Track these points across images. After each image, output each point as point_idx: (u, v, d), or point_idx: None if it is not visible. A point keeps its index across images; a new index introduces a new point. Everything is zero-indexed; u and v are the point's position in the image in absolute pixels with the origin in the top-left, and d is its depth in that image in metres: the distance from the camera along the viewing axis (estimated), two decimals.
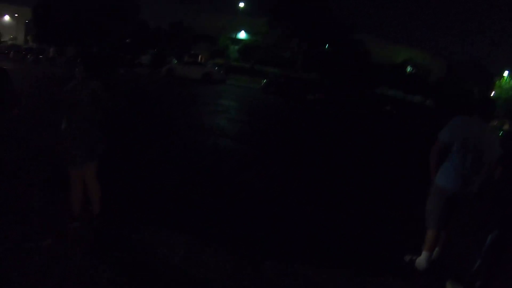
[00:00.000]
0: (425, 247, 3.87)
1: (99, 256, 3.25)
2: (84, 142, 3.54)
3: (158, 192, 4.94)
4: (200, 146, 8.02)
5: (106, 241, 3.57)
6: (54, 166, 5.13)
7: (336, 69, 38.57)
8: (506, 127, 19.46)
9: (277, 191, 5.75)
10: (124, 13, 40.71)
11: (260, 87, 29.28)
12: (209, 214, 4.45)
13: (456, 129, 3.64)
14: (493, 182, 3.64)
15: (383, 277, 3.60)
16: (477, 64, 54.61)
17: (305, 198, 5.59)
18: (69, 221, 3.71)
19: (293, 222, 4.61)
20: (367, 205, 5.70)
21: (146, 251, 3.46)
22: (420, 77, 45.97)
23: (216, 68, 31.66)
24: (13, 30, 66.42)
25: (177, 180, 5.55)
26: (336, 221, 4.88)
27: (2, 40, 52.97)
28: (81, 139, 3.53)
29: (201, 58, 47.09)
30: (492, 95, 43.94)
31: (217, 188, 5.45)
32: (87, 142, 3.55)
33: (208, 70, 29.80)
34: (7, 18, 69.57)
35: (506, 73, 45.18)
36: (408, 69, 48.03)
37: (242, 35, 52.72)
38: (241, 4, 49.28)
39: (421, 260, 3.89)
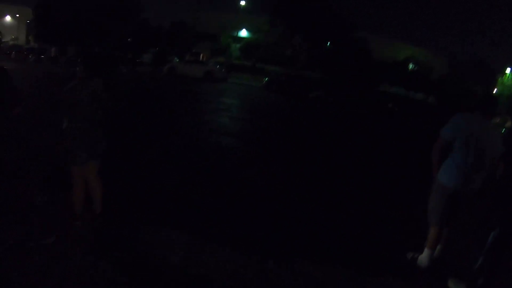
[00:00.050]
0: (427, 245, 3.86)
1: (99, 256, 3.24)
2: (84, 142, 3.54)
3: (159, 191, 4.93)
4: (202, 144, 8.01)
5: (106, 241, 3.56)
6: (54, 166, 5.14)
7: (337, 67, 38.49)
8: (508, 124, 19.36)
9: (278, 189, 5.73)
10: (125, 12, 40.76)
11: (262, 85, 29.29)
12: (209, 213, 4.44)
13: (458, 126, 3.62)
14: (495, 180, 3.61)
15: (383, 276, 3.58)
16: (479, 61, 54.39)
17: (306, 197, 5.57)
18: (70, 220, 3.71)
19: (294, 221, 4.59)
20: (367, 204, 5.67)
21: (146, 251, 3.45)
22: (422, 75, 45.84)
23: (218, 67, 31.67)
24: (15, 31, 66.64)
25: (178, 179, 5.54)
26: (336, 220, 4.85)
27: (3, 40, 53.11)
28: (81, 139, 3.53)
29: (202, 57, 47.15)
30: (494, 92, 43.79)
31: (218, 186, 5.44)
32: (88, 142, 3.55)
33: (209, 68, 29.81)
34: (8, 18, 69.78)
35: (508, 70, 45.02)
36: (410, 66, 47.89)
37: (243, 33, 52.67)
38: (242, 2, 49.25)
39: (423, 257, 3.88)
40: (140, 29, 45.08)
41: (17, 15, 67.50)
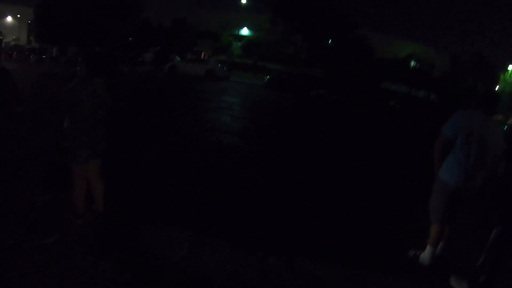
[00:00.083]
0: (429, 242, 3.85)
1: (99, 256, 3.23)
2: (84, 141, 3.54)
3: (159, 190, 4.92)
4: (203, 143, 8.01)
5: (106, 240, 3.55)
6: (54, 166, 5.14)
7: (339, 65, 38.42)
8: (510, 121, 19.29)
9: (279, 188, 5.71)
10: (126, 12, 40.78)
11: (263, 84, 29.25)
12: (209, 213, 4.43)
13: (459, 123, 3.60)
14: (497, 177, 3.59)
15: (383, 276, 3.56)
16: (481, 58, 54.19)
17: (307, 196, 5.55)
18: (70, 220, 3.70)
19: (294, 220, 4.57)
20: (367, 204, 5.63)
21: (146, 251, 3.44)
22: (424, 72, 45.74)
23: (219, 65, 31.60)
24: (16, 31, 66.75)
25: (178, 178, 5.53)
26: (337, 219, 4.83)
27: (5, 41, 53.19)
28: (81, 139, 3.53)
29: (204, 55, 47.07)
30: (496, 89, 43.67)
31: (218, 186, 5.43)
32: (88, 142, 3.55)
33: (211, 67, 29.75)
34: (9, 19, 69.89)
35: (510, 67, 44.85)
36: (412, 63, 47.77)
37: (244, 31, 52.62)
38: (243, 0, 49.13)
39: (425, 255, 3.87)
40: (141, 28, 45.12)
41: (18, 16, 67.59)
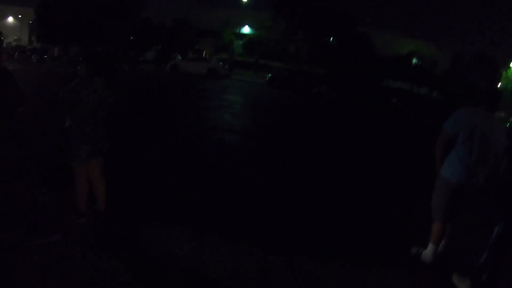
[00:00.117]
0: (431, 240, 3.83)
1: (99, 256, 3.22)
2: (84, 141, 3.54)
3: (159, 190, 4.91)
4: (204, 142, 8.00)
5: (106, 240, 3.54)
6: (55, 166, 5.14)
7: (341, 62, 38.34)
8: None
9: (279, 188, 5.68)
10: (126, 11, 40.81)
11: (265, 82, 29.25)
12: (209, 213, 4.41)
13: (461, 120, 3.58)
14: (499, 175, 3.57)
15: (384, 276, 3.54)
16: (483, 55, 54.01)
17: (307, 195, 5.52)
18: (70, 219, 3.71)
19: (294, 220, 4.55)
20: (368, 203, 5.59)
21: (146, 251, 3.43)
22: (426, 69, 45.59)
23: (221, 63, 31.61)
24: (17, 31, 66.90)
25: (179, 178, 5.52)
26: (337, 219, 4.80)
27: (6, 41, 53.29)
28: (81, 139, 3.53)
29: (205, 54, 47.08)
30: (498, 86, 43.54)
31: (219, 185, 5.41)
32: (88, 141, 3.55)
33: (212, 65, 29.75)
34: (10, 19, 70.01)
35: None
36: (414, 61, 47.63)
37: (246, 29, 52.57)
38: None
39: (427, 253, 3.85)
40: (142, 27, 45.15)
41: (19, 16, 67.72)
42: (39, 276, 2.89)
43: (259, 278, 3.23)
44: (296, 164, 7.30)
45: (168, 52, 40.14)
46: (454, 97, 37.24)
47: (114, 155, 4.13)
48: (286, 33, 40.72)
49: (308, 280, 3.31)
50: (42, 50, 38.81)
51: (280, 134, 10.56)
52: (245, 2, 47.47)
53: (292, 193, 5.55)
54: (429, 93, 44.11)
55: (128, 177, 5.21)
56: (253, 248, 3.70)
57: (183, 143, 7.69)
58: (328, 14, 38.25)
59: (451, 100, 32.92)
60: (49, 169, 5.10)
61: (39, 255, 3.12)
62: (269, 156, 7.66)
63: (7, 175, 4.53)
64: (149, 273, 3.10)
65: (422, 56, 48.41)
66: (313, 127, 13.08)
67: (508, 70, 44.11)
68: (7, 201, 3.98)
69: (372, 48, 41.04)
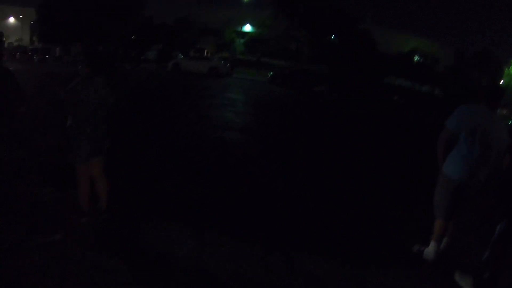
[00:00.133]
0: (433, 237, 3.83)
1: (99, 256, 3.22)
2: (84, 141, 3.54)
3: (159, 190, 4.91)
4: (206, 141, 7.99)
5: (106, 241, 3.54)
6: (55, 165, 5.14)
7: (342, 60, 38.25)
8: None
9: (279, 187, 5.66)
10: (126, 11, 40.86)
11: (266, 80, 29.22)
12: (210, 213, 4.40)
13: (463, 117, 3.56)
14: (501, 172, 3.55)
15: (384, 276, 3.53)
16: (485, 52, 53.75)
17: (307, 195, 5.49)
18: (71, 219, 3.70)
19: (295, 220, 4.54)
20: (368, 203, 5.56)
21: (146, 251, 3.43)
22: (428, 67, 45.43)
23: (222, 62, 31.56)
24: (19, 32, 66.95)
25: (179, 177, 5.51)
26: (337, 219, 4.78)
27: (8, 42, 53.43)
28: (81, 139, 3.53)
29: (207, 52, 47.03)
30: (501, 83, 43.38)
31: (219, 185, 5.39)
32: (88, 141, 3.55)
33: (214, 64, 29.69)
34: (12, 19, 70.11)
35: None
36: (416, 58, 47.48)
37: (247, 28, 52.51)
38: None
39: (429, 250, 3.85)
40: (143, 26, 45.18)
41: (21, 16, 67.79)
42: (39, 276, 2.90)
43: (259, 278, 3.22)
44: (296, 163, 7.27)
45: (169, 51, 40.10)
46: (456, 95, 37.12)
47: (114, 154, 4.13)
48: (288, 31, 40.66)
49: (308, 280, 3.30)
50: (44, 50, 38.78)
51: (281, 132, 10.53)
52: (246, 0, 47.43)
53: (293, 192, 5.52)
54: (431, 90, 43.97)
55: (128, 177, 5.20)
56: (253, 248, 3.69)
57: (184, 142, 7.67)
58: (329, 12, 38.16)
59: (453, 98, 32.82)
60: (50, 169, 5.10)
61: (39, 255, 3.13)
62: (270, 155, 7.64)
63: (7, 175, 4.54)
64: (149, 273, 3.09)
65: (424, 53, 48.23)
66: (314, 125, 13.04)
67: (510, 67, 43.95)
68: (7, 201, 3.98)
69: (373, 46, 40.90)
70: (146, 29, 46.13)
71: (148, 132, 8.23)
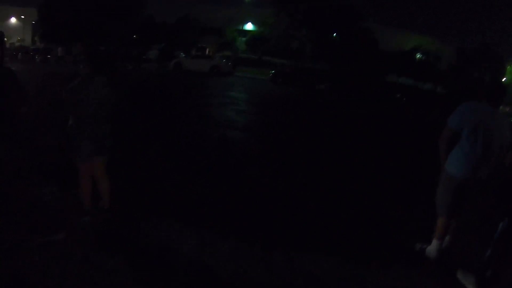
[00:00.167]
0: (436, 236, 3.81)
1: (99, 256, 3.21)
2: (85, 140, 3.53)
3: (160, 190, 4.89)
4: (207, 140, 7.98)
5: (106, 240, 3.54)
6: (56, 165, 5.14)
7: (344, 58, 38.20)
8: None
9: (279, 187, 5.63)
10: (127, 10, 40.92)
11: (268, 78, 29.24)
12: (210, 212, 4.39)
13: (465, 114, 3.54)
14: (504, 169, 3.53)
15: (384, 276, 3.51)
16: (488, 50, 53.53)
17: (308, 195, 5.46)
18: (73, 218, 3.70)
19: (295, 220, 4.51)
20: (369, 203, 5.52)
21: (146, 251, 3.42)
22: (430, 64, 45.33)
23: (224, 61, 31.65)
24: (20, 32, 67.11)
25: (180, 177, 5.50)
26: (337, 218, 4.74)
27: (10, 42, 53.49)
28: (81, 138, 3.52)
29: (208, 51, 47.06)
30: (503, 80, 43.24)
31: (219, 185, 5.37)
32: (89, 140, 3.54)
33: (215, 62, 29.76)
34: (13, 20, 70.26)
35: None
36: (418, 56, 47.37)
37: (249, 26, 52.52)
38: None
39: (432, 248, 3.83)
40: (144, 26, 45.21)
41: (22, 16, 67.94)
42: (39, 276, 2.89)
43: (259, 278, 3.20)
44: (297, 163, 7.25)
45: (171, 50, 40.13)
46: (458, 92, 37.03)
47: (116, 154, 4.12)
48: (289, 29, 40.66)
49: (308, 280, 3.28)
50: (45, 50, 38.87)
51: (283, 131, 10.52)
52: None
53: (293, 192, 5.50)
54: (434, 88, 43.88)
55: (128, 176, 5.19)
56: (253, 248, 3.67)
57: (185, 141, 7.67)
58: (330, 10, 38.11)
59: (456, 95, 32.71)
60: (50, 168, 5.10)
61: (39, 255, 3.12)
62: (271, 154, 7.62)
63: (7, 175, 4.53)
64: (149, 273, 3.08)
65: (426, 51, 48.12)
66: (316, 124, 13.02)
67: None
68: (8, 201, 3.98)
69: (375, 44, 40.84)
70: (147, 28, 46.17)
71: (149, 132, 8.23)
